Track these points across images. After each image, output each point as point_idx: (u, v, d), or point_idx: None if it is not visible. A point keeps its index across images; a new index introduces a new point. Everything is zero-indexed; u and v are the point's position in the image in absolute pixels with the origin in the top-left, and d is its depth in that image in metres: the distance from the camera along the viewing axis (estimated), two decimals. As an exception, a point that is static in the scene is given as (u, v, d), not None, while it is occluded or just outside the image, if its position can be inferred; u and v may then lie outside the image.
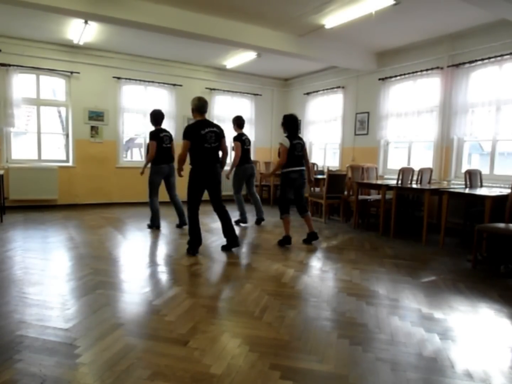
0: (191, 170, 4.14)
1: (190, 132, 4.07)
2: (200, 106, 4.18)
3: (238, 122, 5.82)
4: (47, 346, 2.12)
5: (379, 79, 6.90)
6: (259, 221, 6.03)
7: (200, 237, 4.22)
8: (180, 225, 5.54)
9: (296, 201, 4.75)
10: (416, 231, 5.57)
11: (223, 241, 4.88)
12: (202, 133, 4.05)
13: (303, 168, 4.68)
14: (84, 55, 7.11)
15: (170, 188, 5.46)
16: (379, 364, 2.05)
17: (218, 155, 4.24)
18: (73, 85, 7.16)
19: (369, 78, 7.22)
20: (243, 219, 5.91)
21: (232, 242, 4.30)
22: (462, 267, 3.98)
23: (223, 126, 8.64)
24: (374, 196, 6.40)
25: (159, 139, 5.20)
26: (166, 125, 7.86)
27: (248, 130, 8.92)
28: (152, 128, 5.35)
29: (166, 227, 5.59)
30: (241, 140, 5.66)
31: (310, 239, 4.81)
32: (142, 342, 2.21)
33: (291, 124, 4.66)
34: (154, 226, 5.44)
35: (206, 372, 1.92)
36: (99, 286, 3.11)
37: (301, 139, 4.70)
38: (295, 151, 4.57)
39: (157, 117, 5.32)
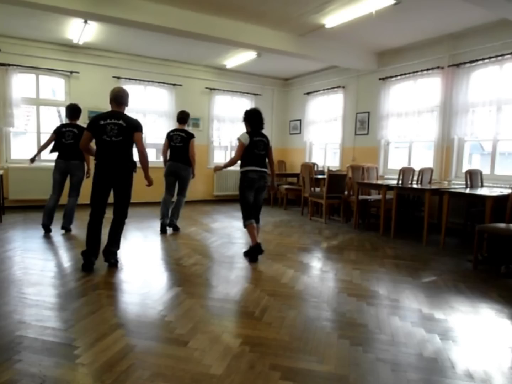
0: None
1: (90, 122, 3.63)
2: (112, 96, 3.73)
3: (177, 117, 5.44)
4: (46, 347, 2.11)
5: (380, 78, 6.89)
6: (171, 225, 5.38)
7: (93, 247, 3.57)
8: (63, 227, 5.11)
9: (252, 207, 4.16)
10: (416, 231, 5.57)
11: (223, 241, 4.88)
12: (101, 123, 3.53)
13: (265, 169, 4.14)
14: (84, 54, 7.11)
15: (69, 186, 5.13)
16: (380, 364, 2.04)
17: (123, 151, 3.60)
18: (72, 84, 7.15)
19: (370, 78, 7.21)
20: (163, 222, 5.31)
21: (106, 254, 3.68)
22: (462, 267, 3.98)
23: (222, 125, 8.60)
24: (374, 196, 6.40)
25: (60, 134, 5.00)
26: (166, 125, 7.92)
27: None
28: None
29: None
30: (168, 136, 5.30)
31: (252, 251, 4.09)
32: (142, 342, 2.20)
33: (253, 119, 4.12)
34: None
35: (206, 372, 1.92)
36: (99, 286, 3.10)
37: (264, 136, 4.17)
38: (255, 149, 4.05)
39: (68, 111, 5.12)
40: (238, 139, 4.09)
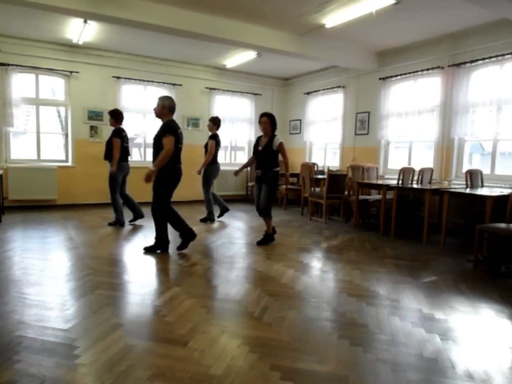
0: (166, 169, 3.99)
1: (174, 129, 4.03)
2: (174, 106, 4.17)
3: (215, 121, 6.16)
4: (46, 347, 2.11)
5: (380, 78, 6.89)
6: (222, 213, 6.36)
7: (184, 229, 4.30)
8: (134, 219, 5.81)
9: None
10: (417, 231, 5.56)
11: (223, 241, 4.88)
12: (179, 132, 4.10)
13: None
14: (84, 54, 7.10)
15: (124, 185, 5.75)
16: (380, 364, 2.04)
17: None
18: (72, 84, 7.14)
19: (370, 78, 7.21)
20: (210, 217, 6.15)
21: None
22: (463, 267, 3.97)
23: (222, 125, 8.65)
24: (374, 196, 6.39)
25: (121, 137, 5.45)
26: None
27: (248, 130, 8.94)
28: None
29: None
30: (218, 141, 6.07)
31: (266, 240, 4.79)
32: (142, 342, 2.20)
33: (276, 123, 4.74)
34: (119, 223, 5.61)
35: (206, 373, 1.91)
36: (99, 286, 3.09)
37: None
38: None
39: (120, 115, 5.55)
40: (282, 142, 4.61)
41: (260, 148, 4.65)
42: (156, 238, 4.24)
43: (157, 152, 4.02)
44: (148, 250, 4.20)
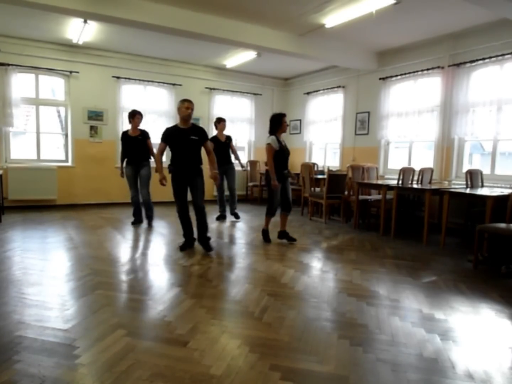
0: (202, 170, 4.33)
1: None
2: None
3: (225, 122, 6.51)
4: (46, 347, 2.11)
5: (380, 78, 6.89)
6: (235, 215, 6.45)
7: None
8: (135, 223, 5.76)
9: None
10: (417, 231, 5.56)
11: (223, 241, 4.88)
12: None
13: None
14: (83, 54, 7.10)
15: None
16: (380, 365, 2.04)
17: None
18: (72, 84, 7.14)
19: (370, 78, 7.21)
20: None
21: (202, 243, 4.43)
22: (463, 267, 3.97)
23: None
24: (374, 196, 6.39)
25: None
26: (166, 124, 7.89)
27: (248, 130, 8.94)
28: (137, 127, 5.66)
29: (165, 227, 5.58)
30: None
31: (282, 237, 4.90)
32: (142, 342, 2.20)
33: None
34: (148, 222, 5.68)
35: (206, 373, 1.91)
36: (99, 286, 3.09)
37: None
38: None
39: None
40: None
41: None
42: (204, 233, 4.41)
43: (197, 155, 4.25)
44: (208, 249, 4.30)
